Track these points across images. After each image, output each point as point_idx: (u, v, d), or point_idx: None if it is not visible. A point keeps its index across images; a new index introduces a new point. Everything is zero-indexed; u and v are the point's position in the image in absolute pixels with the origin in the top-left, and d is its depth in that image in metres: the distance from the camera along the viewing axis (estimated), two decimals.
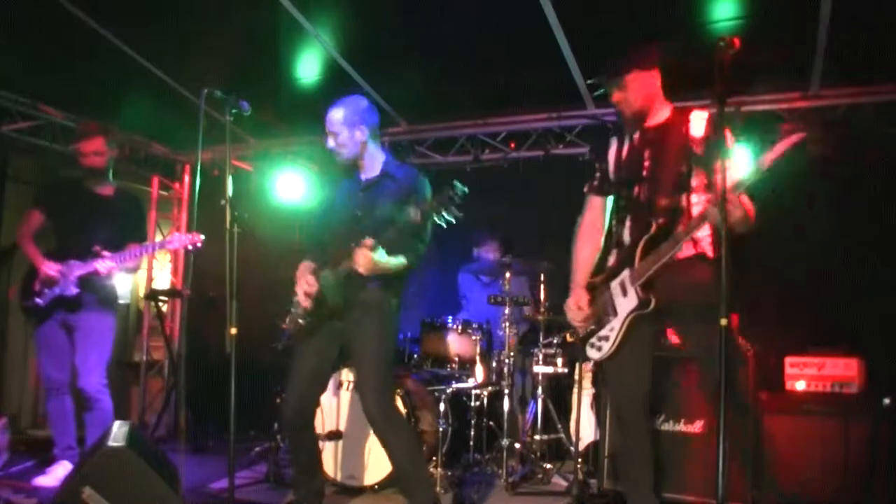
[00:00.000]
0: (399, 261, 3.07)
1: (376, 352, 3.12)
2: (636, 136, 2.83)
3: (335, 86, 4.79)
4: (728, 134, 2.61)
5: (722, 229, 2.17)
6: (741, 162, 2.37)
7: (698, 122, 2.69)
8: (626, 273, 2.73)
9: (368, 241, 2.92)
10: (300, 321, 3.19)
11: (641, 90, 2.74)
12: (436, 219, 2.81)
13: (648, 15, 3.91)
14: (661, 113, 2.81)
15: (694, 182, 2.70)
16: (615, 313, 2.76)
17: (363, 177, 3.28)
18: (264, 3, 4.06)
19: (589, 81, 2.87)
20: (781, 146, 2.34)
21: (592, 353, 2.84)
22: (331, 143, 3.21)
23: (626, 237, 2.80)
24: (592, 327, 2.85)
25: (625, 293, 2.73)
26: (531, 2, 3.80)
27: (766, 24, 3.90)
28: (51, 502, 2.97)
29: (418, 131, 5.65)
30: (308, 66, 4.82)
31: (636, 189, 2.78)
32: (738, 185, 2.36)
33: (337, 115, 3.16)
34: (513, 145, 5.51)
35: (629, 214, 2.81)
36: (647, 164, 2.76)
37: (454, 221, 2.80)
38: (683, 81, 3.10)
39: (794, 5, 3.78)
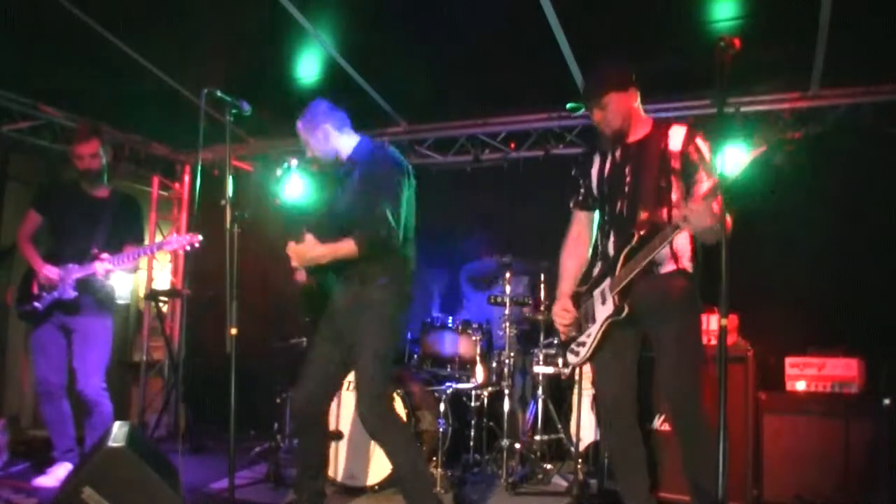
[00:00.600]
0: (344, 247, 3.02)
1: (371, 355, 3.05)
2: (618, 152, 2.91)
3: (335, 86, 4.79)
4: (706, 145, 2.71)
5: (722, 234, 2.18)
6: (717, 168, 2.40)
7: (676, 137, 2.77)
8: (607, 282, 2.82)
9: (305, 233, 2.98)
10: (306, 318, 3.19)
11: (620, 109, 2.82)
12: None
13: (648, 15, 3.92)
14: (641, 129, 2.88)
15: (674, 196, 2.75)
16: (594, 320, 2.85)
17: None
18: (264, 3, 4.06)
19: (568, 106, 2.94)
20: (747, 159, 2.37)
21: (571, 358, 2.96)
22: (308, 152, 3.28)
23: (611, 250, 2.88)
24: (574, 334, 2.94)
25: (604, 301, 2.82)
26: (531, 2, 3.80)
27: (766, 24, 3.90)
28: (51, 502, 2.97)
29: (418, 131, 5.65)
30: (308, 66, 4.81)
31: (619, 204, 2.86)
32: (711, 193, 2.37)
33: (301, 126, 3.26)
34: (513, 145, 5.52)
35: (613, 228, 2.89)
36: (628, 179, 2.85)
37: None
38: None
39: (794, 5, 3.78)
